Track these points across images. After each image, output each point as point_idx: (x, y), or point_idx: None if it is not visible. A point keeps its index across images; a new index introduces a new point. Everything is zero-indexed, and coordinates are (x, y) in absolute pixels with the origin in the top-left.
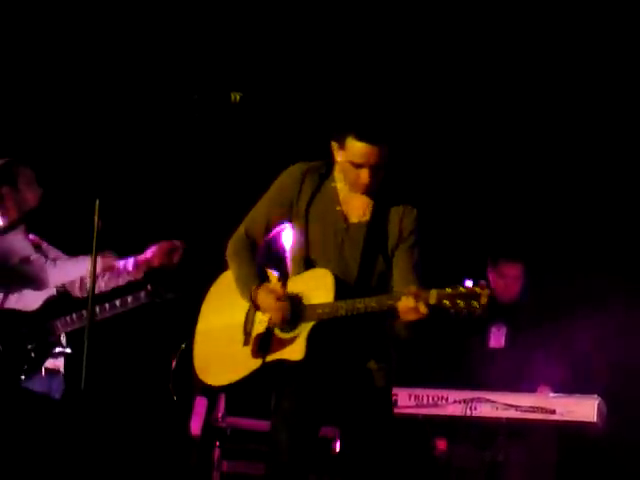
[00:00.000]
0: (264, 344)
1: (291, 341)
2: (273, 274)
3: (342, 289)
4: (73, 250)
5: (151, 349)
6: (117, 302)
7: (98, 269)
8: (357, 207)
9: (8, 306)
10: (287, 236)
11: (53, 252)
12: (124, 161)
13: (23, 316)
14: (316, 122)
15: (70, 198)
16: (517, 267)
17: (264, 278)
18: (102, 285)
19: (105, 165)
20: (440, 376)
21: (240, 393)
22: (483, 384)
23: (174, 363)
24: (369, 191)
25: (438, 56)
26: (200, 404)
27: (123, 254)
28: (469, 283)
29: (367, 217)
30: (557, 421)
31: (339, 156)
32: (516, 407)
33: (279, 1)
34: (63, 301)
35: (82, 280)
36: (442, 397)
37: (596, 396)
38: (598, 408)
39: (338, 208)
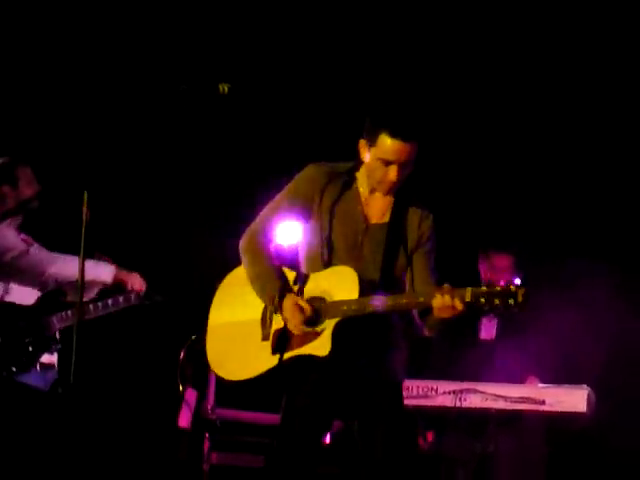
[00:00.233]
0: (283, 339)
1: (314, 337)
2: (289, 272)
3: (364, 287)
4: (60, 244)
5: (141, 344)
6: (109, 301)
7: (109, 278)
8: (377, 208)
9: (9, 300)
10: (292, 234)
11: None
12: (112, 152)
13: (21, 310)
14: (304, 114)
15: (58, 190)
16: (507, 258)
17: (283, 278)
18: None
19: (93, 157)
20: (431, 367)
21: (252, 387)
22: (474, 375)
23: (182, 354)
24: (394, 189)
25: (434, 54)
26: (190, 396)
27: (111, 248)
28: (518, 281)
29: (386, 218)
30: (547, 411)
31: (367, 153)
32: (506, 398)
33: None
34: (58, 298)
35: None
36: (432, 388)
37: (586, 386)
38: (588, 398)
39: (359, 207)
